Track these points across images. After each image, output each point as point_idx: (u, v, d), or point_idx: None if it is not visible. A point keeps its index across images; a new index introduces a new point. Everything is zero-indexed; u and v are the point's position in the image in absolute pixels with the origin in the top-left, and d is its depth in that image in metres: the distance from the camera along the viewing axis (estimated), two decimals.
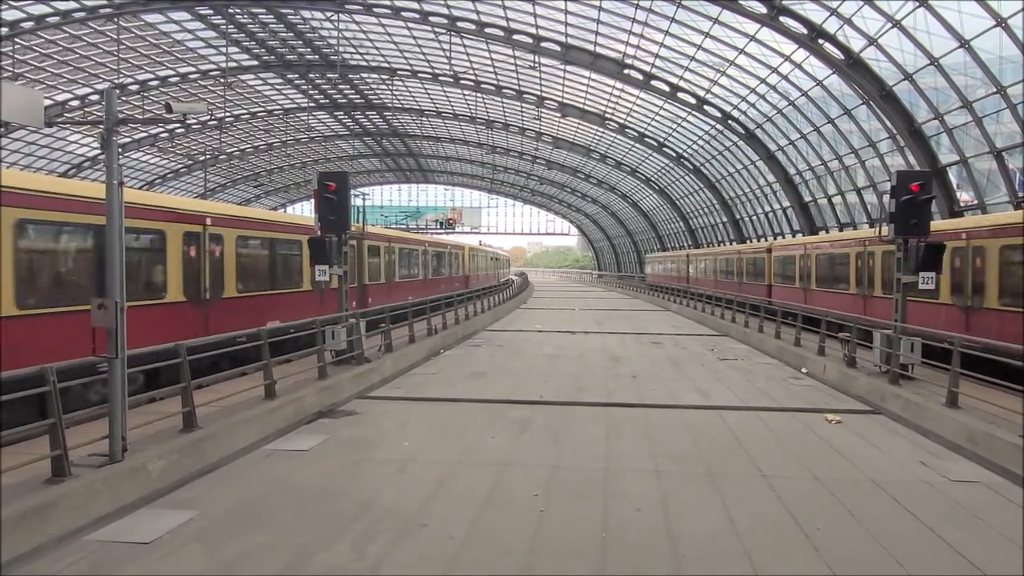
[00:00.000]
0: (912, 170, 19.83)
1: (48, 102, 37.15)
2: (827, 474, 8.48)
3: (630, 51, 31.58)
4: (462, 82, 41.29)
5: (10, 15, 29.94)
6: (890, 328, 13.59)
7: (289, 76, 43.49)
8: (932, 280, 12.84)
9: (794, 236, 35.21)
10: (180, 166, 60.55)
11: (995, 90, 18.50)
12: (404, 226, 69.68)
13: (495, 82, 41.11)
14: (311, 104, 49.88)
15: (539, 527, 6.74)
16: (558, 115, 44.82)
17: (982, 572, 5.83)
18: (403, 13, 31.14)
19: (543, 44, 32.05)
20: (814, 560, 6.03)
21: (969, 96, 19.74)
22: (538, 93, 41.44)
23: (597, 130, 46.50)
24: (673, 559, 6.06)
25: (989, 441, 9.25)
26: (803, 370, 16.60)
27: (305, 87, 46.35)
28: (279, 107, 50.46)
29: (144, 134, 49.67)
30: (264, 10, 32.90)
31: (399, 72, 41.84)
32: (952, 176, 22.77)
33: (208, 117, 46.81)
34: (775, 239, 37.29)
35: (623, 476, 8.37)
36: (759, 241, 40.19)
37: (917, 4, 18.54)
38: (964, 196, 22.83)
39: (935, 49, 19.51)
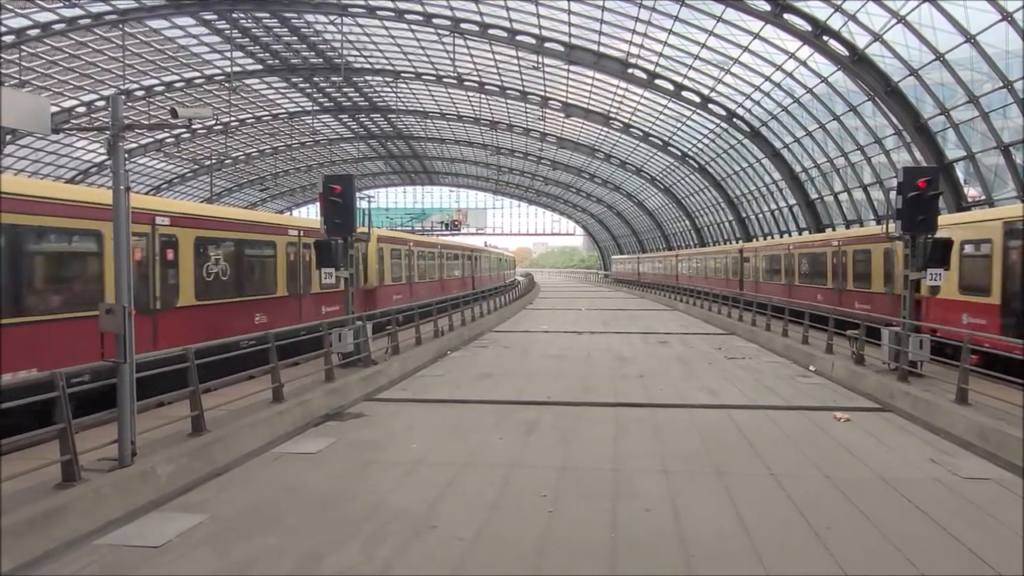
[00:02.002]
0: (919, 166, 19.71)
1: (55, 109, 37.37)
2: (837, 472, 8.44)
3: (634, 50, 31.55)
4: (466, 83, 41.35)
5: (16, 23, 30.13)
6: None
7: (293, 80, 43.63)
8: (941, 276, 12.78)
9: (800, 234, 35.35)
10: (186, 171, 60.85)
11: (1001, 85, 18.40)
12: (410, 228, 68.43)
13: (499, 83, 41.13)
14: (316, 108, 50.02)
15: (548, 528, 6.73)
16: (562, 115, 44.81)
17: (994, 570, 5.79)
18: (406, 15, 31.20)
19: (547, 44, 32.06)
20: (825, 559, 6.01)
21: (975, 91, 19.63)
22: (542, 93, 41.45)
23: (601, 130, 46.48)
24: (683, 559, 6.04)
25: (999, 438, 9.19)
26: (811, 368, 16.53)
27: (309, 91, 46.49)
28: (284, 111, 50.63)
29: (150, 139, 49.92)
30: (268, 14, 33.04)
31: (403, 74, 41.91)
32: (959, 172, 22.67)
33: (213, 122, 46.99)
34: (781, 237, 37.73)
35: (632, 476, 8.35)
36: (762, 240, 40.60)
37: None
38: (971, 191, 22.72)
39: (941, 44, 19.41)
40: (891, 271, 18.52)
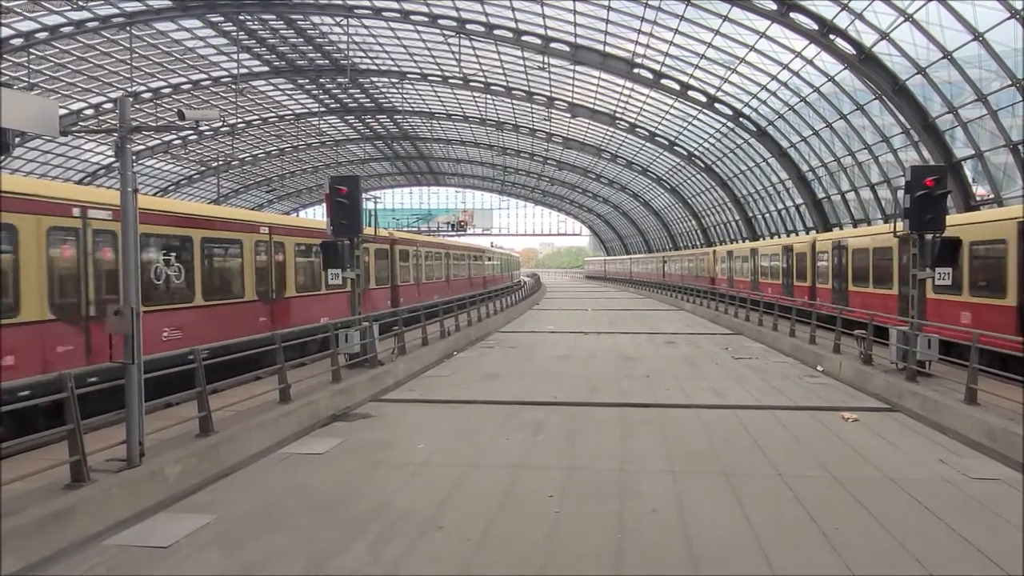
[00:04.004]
0: (926, 165, 19.59)
1: (62, 111, 37.55)
2: (844, 473, 8.41)
3: (640, 50, 31.48)
4: (472, 84, 41.36)
5: (25, 26, 30.32)
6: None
7: (300, 81, 43.71)
8: (948, 276, 12.71)
9: (807, 233, 35.23)
10: (193, 172, 61.07)
11: (1010, 83, 18.28)
12: (416, 228, 68.35)
13: (505, 84, 41.12)
14: (322, 109, 50.10)
15: (554, 528, 6.73)
16: (568, 116, 44.75)
17: (1002, 570, 5.76)
18: (412, 16, 31.21)
19: (552, 45, 32.02)
20: (832, 560, 5.99)
21: (984, 89, 19.51)
22: (548, 94, 41.40)
23: (607, 130, 46.40)
24: (689, 560, 6.03)
25: (1008, 438, 9.13)
26: (818, 368, 16.47)
27: (316, 92, 46.57)
28: (290, 112, 50.72)
29: (157, 141, 50.08)
30: (274, 16, 33.10)
31: (409, 75, 41.93)
32: (967, 170, 22.54)
33: (220, 123, 47.15)
34: (788, 236, 37.67)
35: (638, 477, 8.34)
36: (770, 238, 40.57)
37: None
38: (980, 190, 22.58)
39: (948, 42, 19.30)
40: (714, 267, 40.72)
